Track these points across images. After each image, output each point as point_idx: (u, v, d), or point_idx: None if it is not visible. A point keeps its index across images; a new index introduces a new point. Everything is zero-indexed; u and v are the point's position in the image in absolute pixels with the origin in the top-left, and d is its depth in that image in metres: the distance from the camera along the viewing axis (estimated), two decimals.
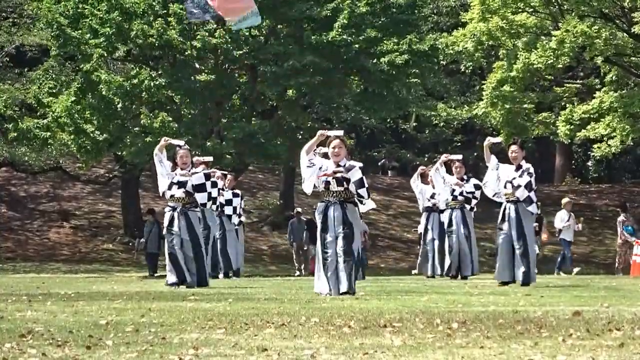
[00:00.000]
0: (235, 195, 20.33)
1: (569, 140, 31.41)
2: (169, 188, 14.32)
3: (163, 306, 9.20)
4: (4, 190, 38.32)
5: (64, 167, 36.11)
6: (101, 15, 26.37)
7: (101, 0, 26.74)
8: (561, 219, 25.15)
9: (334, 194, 11.39)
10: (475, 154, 43.76)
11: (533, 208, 14.27)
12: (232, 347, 5.57)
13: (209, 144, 26.08)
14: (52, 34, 27.24)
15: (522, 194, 14.20)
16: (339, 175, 11.33)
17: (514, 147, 14.36)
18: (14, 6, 35.95)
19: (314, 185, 11.49)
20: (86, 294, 12.31)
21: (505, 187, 14.33)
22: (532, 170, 14.40)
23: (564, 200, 25.88)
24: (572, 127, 28.35)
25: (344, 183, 11.37)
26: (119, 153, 28.98)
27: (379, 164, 45.71)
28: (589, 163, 45.71)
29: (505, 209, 14.39)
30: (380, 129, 45.10)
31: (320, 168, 11.44)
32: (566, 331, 6.20)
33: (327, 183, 11.36)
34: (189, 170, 14.46)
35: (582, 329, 6.34)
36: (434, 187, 18.93)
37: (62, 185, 38.82)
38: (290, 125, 28.25)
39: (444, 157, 18.76)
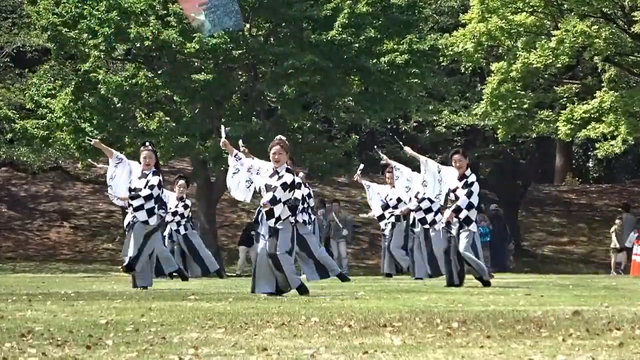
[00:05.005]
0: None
1: (570, 139, 31.37)
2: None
3: (163, 306, 9.21)
4: (4, 190, 38.31)
5: (64, 167, 36.10)
6: (100, 16, 26.29)
7: (100, 0, 26.69)
8: None
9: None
10: (476, 154, 43.75)
11: (473, 227, 13.76)
12: (232, 347, 5.57)
13: (209, 143, 26.05)
14: (49, 35, 27.18)
15: (462, 214, 13.73)
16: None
17: (457, 157, 14.02)
18: (14, 6, 35.88)
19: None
20: (86, 293, 12.31)
21: (448, 194, 14.02)
22: (475, 183, 13.88)
23: None
24: (572, 126, 28.31)
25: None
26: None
27: (381, 162, 45.64)
28: (590, 163, 45.71)
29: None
30: (381, 131, 45.09)
31: (250, 169, 11.64)
32: (566, 331, 6.20)
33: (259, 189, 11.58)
34: (151, 173, 13.84)
35: (582, 328, 6.34)
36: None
37: (62, 185, 38.81)
38: (291, 125, 28.21)
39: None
